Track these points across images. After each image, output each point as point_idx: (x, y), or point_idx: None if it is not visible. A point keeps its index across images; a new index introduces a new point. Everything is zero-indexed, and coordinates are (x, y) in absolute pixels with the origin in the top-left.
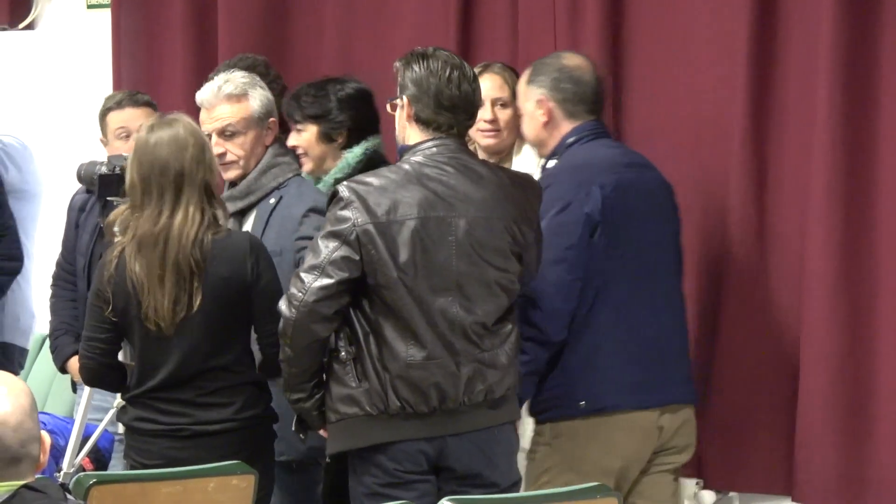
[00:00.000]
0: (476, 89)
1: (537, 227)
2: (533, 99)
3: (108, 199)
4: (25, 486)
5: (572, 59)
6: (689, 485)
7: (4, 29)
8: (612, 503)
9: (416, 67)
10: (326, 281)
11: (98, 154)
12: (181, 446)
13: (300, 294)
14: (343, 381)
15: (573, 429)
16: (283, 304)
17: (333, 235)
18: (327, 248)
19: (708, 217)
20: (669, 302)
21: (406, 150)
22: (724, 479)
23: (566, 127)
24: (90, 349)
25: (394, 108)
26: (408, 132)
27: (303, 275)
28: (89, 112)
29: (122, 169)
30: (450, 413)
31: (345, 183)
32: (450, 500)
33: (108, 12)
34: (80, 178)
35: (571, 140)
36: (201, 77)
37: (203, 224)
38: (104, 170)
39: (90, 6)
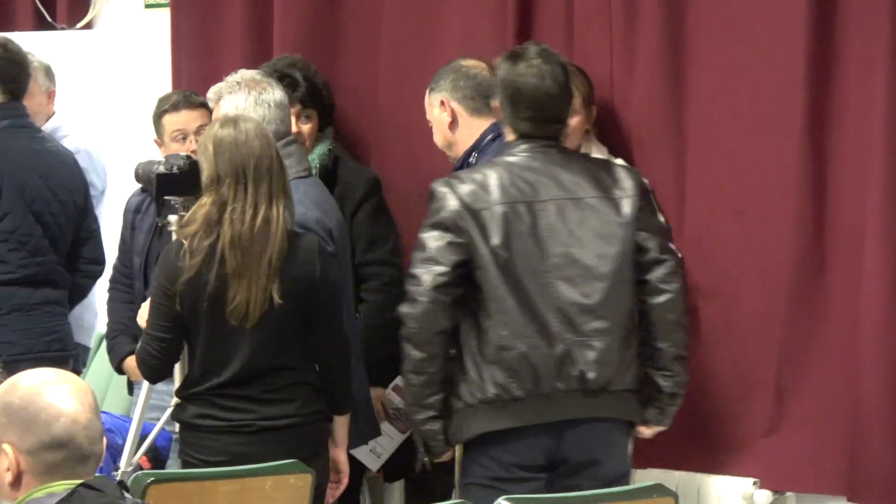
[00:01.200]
0: (559, 94)
1: (640, 208)
2: (436, 104)
3: (166, 198)
4: (83, 485)
5: (468, 61)
6: (746, 484)
7: (63, 28)
8: (668, 503)
9: (501, 72)
10: (440, 268)
11: (156, 153)
12: (246, 441)
13: (418, 287)
14: (453, 379)
15: None
16: (403, 307)
17: (434, 226)
18: (432, 239)
19: (766, 216)
20: None
21: (503, 147)
22: (780, 478)
23: (474, 123)
24: (155, 348)
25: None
26: (505, 130)
27: (415, 271)
28: (148, 112)
29: (180, 168)
30: (546, 399)
31: (439, 180)
32: (506, 499)
33: (165, 11)
34: (138, 178)
35: (492, 135)
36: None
37: (288, 220)
38: (162, 169)
39: (148, 5)
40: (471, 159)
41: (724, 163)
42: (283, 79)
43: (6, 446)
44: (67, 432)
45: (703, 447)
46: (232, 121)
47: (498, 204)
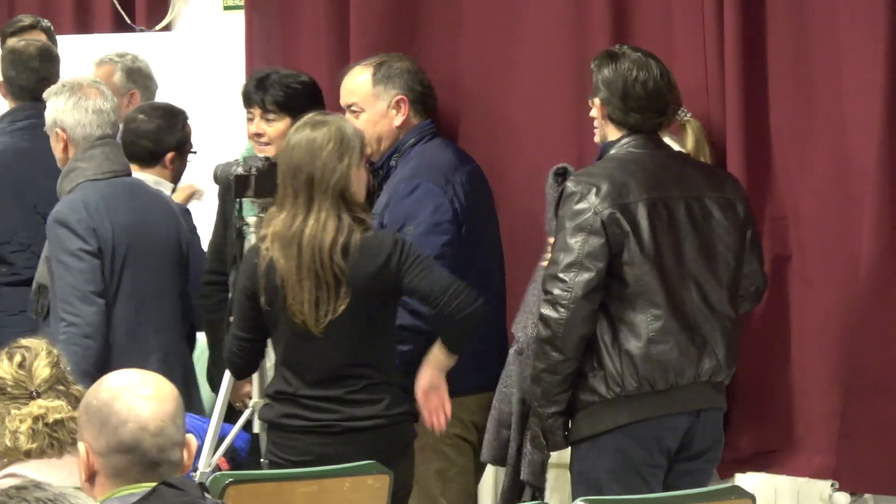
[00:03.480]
0: (665, 86)
1: (745, 214)
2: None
3: (244, 199)
4: (164, 483)
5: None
6: (824, 487)
7: (142, 30)
8: (746, 503)
9: (605, 71)
10: (588, 275)
11: (234, 154)
12: (330, 442)
13: (566, 293)
14: (582, 373)
15: None
16: (546, 311)
17: (578, 229)
18: (577, 243)
19: (843, 220)
20: (494, 292)
21: (609, 145)
22: (859, 480)
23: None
24: (238, 347)
25: (592, 105)
26: (607, 129)
27: (561, 275)
28: (226, 114)
29: (258, 170)
30: (683, 390)
31: (571, 178)
32: (583, 500)
33: (244, 13)
34: (216, 179)
35: (414, 139)
36: (335, 77)
37: (340, 230)
38: (240, 170)
39: (226, 7)
40: (392, 161)
41: (805, 162)
42: (254, 80)
43: (81, 445)
44: (134, 438)
45: (781, 449)
46: (301, 124)
47: (641, 200)
